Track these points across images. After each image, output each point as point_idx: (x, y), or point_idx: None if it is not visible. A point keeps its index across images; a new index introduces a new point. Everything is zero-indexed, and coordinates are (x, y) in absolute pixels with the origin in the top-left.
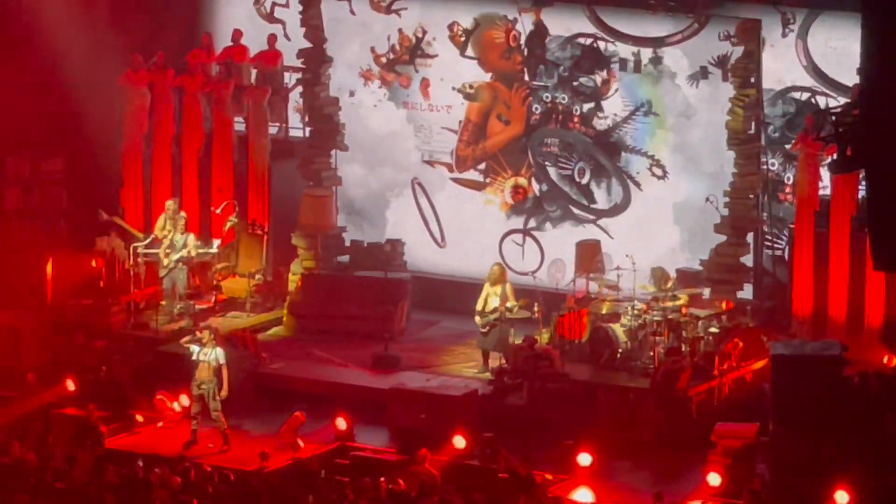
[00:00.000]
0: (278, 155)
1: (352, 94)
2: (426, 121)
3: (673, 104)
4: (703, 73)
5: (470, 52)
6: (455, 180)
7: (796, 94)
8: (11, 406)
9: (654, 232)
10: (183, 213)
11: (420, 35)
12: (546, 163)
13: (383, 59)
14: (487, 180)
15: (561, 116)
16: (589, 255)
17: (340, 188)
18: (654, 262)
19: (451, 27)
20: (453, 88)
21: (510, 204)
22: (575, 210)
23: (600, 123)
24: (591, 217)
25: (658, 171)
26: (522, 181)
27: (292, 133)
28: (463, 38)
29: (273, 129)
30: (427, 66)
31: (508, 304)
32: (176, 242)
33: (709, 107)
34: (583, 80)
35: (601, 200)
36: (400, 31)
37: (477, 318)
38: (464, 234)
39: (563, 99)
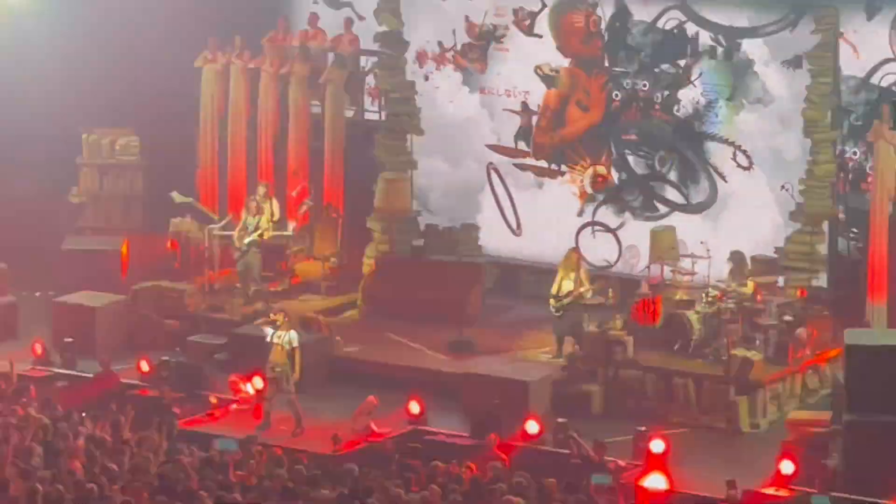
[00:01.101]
0: (354, 138)
1: (427, 78)
2: (502, 106)
3: (751, 92)
4: (782, 62)
5: (548, 36)
6: (530, 167)
7: (880, 82)
8: (86, 386)
9: (730, 219)
10: (273, 200)
11: (496, 19)
12: (626, 151)
13: (459, 44)
14: (563, 168)
15: (641, 104)
16: (664, 242)
17: (416, 172)
18: (729, 249)
19: (526, 11)
20: (531, 72)
21: (588, 192)
22: (655, 201)
23: (682, 111)
24: (671, 208)
25: (743, 161)
26: (601, 169)
27: (368, 116)
28: (539, 23)
29: (349, 113)
30: (503, 50)
31: (583, 290)
32: (249, 225)
33: (787, 95)
34: (664, 66)
35: (683, 191)
36: (474, 16)
37: (551, 303)
38: (539, 221)
39: (644, 86)
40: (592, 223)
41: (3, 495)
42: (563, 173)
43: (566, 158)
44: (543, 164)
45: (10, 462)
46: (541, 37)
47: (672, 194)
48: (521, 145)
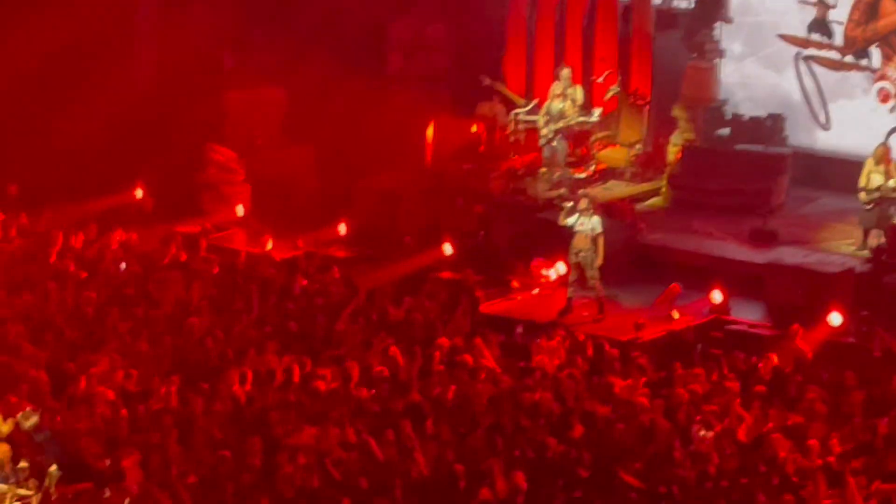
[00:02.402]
0: (662, 25)
1: None
2: None
3: None
4: None
5: None
6: (835, 62)
7: None
8: (389, 269)
9: None
10: (578, 87)
11: None
12: None
13: None
14: (874, 64)
15: None
16: None
17: (723, 60)
18: None
19: None
20: None
21: None
22: None
23: None
24: None
25: None
26: None
27: (677, 4)
28: None
29: (658, 0)
30: None
31: (891, 183)
32: (553, 111)
33: None
34: None
35: None
36: None
37: (861, 195)
38: (848, 115)
39: None
40: None
41: None
42: (873, 70)
43: (878, 53)
44: (850, 58)
45: None
46: None
47: None
48: (815, 37)
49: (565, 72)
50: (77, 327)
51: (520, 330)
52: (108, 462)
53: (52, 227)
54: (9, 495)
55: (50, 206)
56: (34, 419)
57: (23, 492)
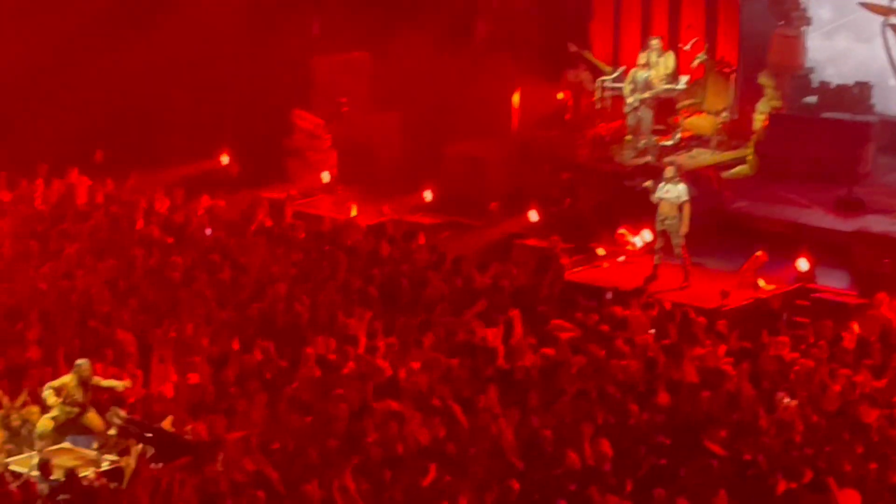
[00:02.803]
0: None
1: None
2: None
3: None
4: None
5: None
6: None
7: None
8: (475, 235)
9: None
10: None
11: None
12: None
13: None
14: None
15: None
16: None
17: (810, 28)
18: None
19: None
20: None
21: None
22: None
23: None
24: None
25: None
26: None
27: None
28: None
29: None
30: None
31: None
32: (638, 80)
33: None
34: None
35: None
36: None
37: None
38: None
39: None
40: None
41: None
42: None
43: None
44: None
45: None
46: None
47: None
48: None
49: (655, 41)
50: (162, 293)
51: (609, 296)
52: (203, 434)
53: (138, 193)
54: (100, 461)
55: (136, 171)
56: (121, 415)
57: (112, 458)
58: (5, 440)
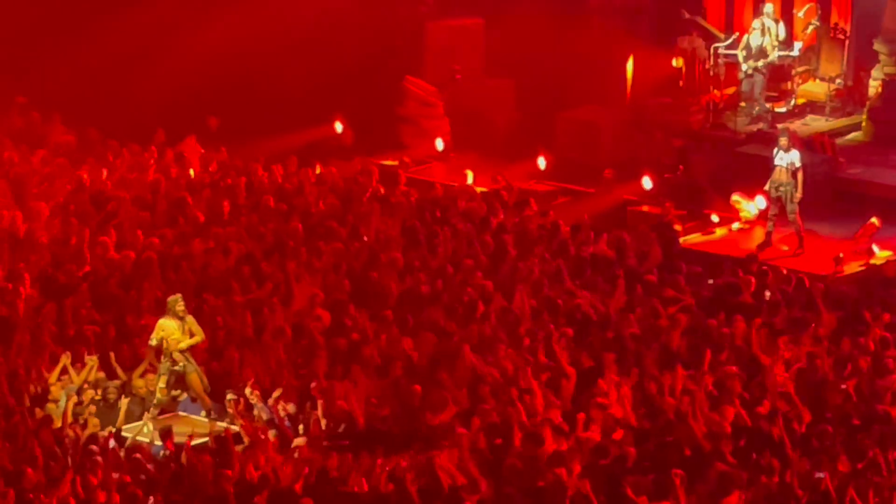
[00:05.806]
0: None
1: None
2: None
3: None
4: None
5: None
6: None
7: None
8: (589, 201)
9: None
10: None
11: None
12: None
13: None
14: None
15: None
16: None
17: None
18: None
19: None
20: None
21: None
22: None
23: None
24: None
25: None
26: None
27: None
28: None
29: None
30: None
31: None
32: (752, 47)
33: None
34: None
35: None
36: None
37: None
38: None
39: None
40: None
41: None
42: None
43: None
44: None
45: None
46: None
47: None
48: None
49: (768, 7)
50: (273, 260)
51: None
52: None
53: (251, 161)
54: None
55: (250, 139)
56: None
57: (223, 425)
58: (127, 408)
